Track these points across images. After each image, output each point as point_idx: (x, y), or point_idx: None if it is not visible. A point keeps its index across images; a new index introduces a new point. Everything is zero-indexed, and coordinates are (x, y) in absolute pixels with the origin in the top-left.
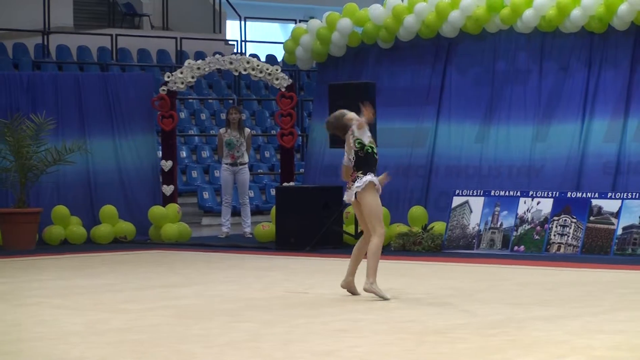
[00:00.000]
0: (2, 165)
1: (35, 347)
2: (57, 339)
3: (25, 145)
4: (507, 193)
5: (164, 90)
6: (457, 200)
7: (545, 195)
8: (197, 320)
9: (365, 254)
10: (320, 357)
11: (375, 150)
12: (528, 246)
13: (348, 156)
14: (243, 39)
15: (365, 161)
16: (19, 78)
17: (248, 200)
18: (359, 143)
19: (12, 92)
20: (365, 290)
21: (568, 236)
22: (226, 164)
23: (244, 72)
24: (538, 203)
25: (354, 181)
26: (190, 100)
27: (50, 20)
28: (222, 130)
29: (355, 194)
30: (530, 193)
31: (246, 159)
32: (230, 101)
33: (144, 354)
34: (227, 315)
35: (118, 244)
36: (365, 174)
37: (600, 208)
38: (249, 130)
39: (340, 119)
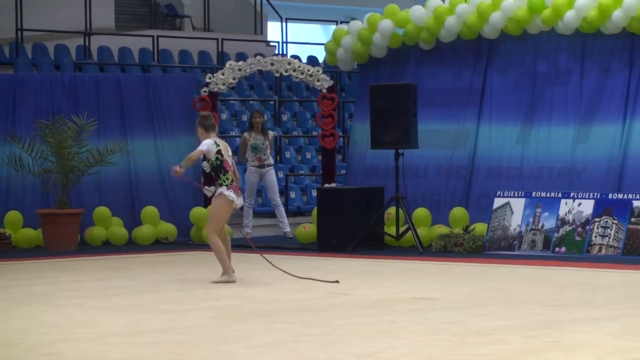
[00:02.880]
0: (43, 166)
1: (75, 348)
2: (97, 340)
3: (67, 147)
4: (548, 194)
5: (205, 91)
6: (498, 202)
7: (587, 197)
8: (237, 321)
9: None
10: (360, 358)
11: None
12: (569, 247)
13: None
14: (284, 40)
15: None
16: (61, 79)
17: (280, 201)
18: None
19: (54, 93)
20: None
21: (609, 237)
22: (253, 166)
23: (285, 74)
24: (579, 204)
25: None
26: (231, 102)
27: (91, 21)
28: (245, 134)
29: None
30: (572, 194)
31: (272, 160)
32: (272, 102)
33: (184, 355)
34: (267, 316)
35: (159, 245)
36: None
37: None
38: (272, 132)
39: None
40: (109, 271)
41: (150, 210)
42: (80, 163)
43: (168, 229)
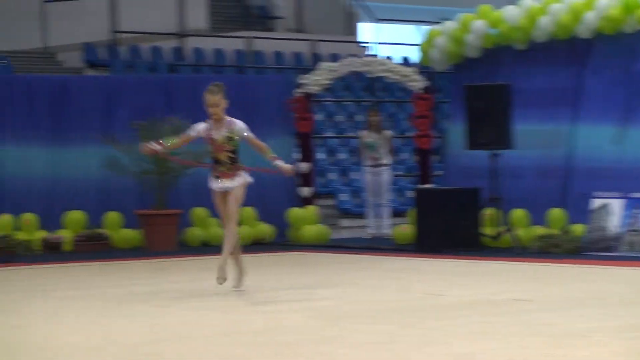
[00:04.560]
0: (141, 167)
1: (175, 348)
2: (197, 340)
3: None
4: None
5: (299, 92)
6: (596, 203)
7: None
8: (335, 321)
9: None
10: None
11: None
12: None
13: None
14: (377, 41)
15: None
16: (155, 81)
17: (388, 202)
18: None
19: (149, 95)
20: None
21: None
22: (367, 166)
23: (379, 74)
24: None
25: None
26: (326, 103)
27: (186, 23)
28: (362, 133)
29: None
30: None
31: (387, 160)
32: (366, 103)
33: (283, 355)
34: (365, 317)
35: (257, 245)
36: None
37: None
38: (388, 132)
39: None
40: (208, 272)
41: (247, 211)
42: (177, 164)
43: (265, 229)
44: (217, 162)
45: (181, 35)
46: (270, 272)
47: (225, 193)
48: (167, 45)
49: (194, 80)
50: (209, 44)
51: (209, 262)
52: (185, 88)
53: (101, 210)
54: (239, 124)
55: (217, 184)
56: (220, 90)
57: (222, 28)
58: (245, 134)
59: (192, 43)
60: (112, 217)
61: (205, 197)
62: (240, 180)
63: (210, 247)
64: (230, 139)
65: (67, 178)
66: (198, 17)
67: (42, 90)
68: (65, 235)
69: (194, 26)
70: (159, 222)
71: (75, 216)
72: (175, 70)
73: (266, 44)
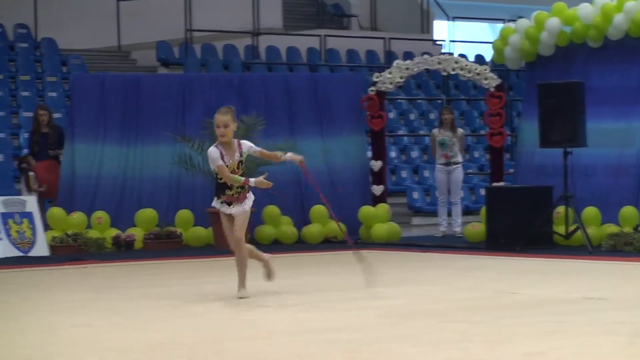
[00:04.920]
0: None
1: (242, 347)
2: (264, 338)
3: None
4: None
5: (372, 90)
6: None
7: None
8: (405, 319)
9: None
10: (528, 358)
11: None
12: None
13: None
14: (451, 39)
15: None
16: (230, 79)
17: (460, 200)
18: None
19: (223, 92)
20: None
21: None
22: (440, 164)
23: (452, 72)
24: None
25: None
26: (399, 101)
27: (259, 21)
28: (435, 131)
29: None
30: None
31: (459, 158)
32: (439, 101)
33: (353, 353)
34: (436, 315)
35: (328, 243)
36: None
37: None
38: (461, 130)
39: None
40: (278, 270)
41: (319, 209)
42: (249, 162)
43: (336, 227)
44: (225, 187)
45: (255, 33)
46: (340, 270)
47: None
48: (241, 43)
49: (267, 78)
50: (282, 42)
51: (280, 261)
52: (259, 86)
53: (172, 208)
54: (246, 144)
55: (228, 209)
56: (230, 112)
57: (295, 26)
58: (252, 150)
59: (265, 41)
60: (184, 215)
61: (278, 195)
62: (248, 204)
63: (281, 245)
64: (241, 163)
65: (138, 176)
66: (272, 15)
67: (115, 89)
68: (136, 233)
69: (267, 24)
70: None
71: (147, 214)
72: (249, 69)
73: (340, 42)
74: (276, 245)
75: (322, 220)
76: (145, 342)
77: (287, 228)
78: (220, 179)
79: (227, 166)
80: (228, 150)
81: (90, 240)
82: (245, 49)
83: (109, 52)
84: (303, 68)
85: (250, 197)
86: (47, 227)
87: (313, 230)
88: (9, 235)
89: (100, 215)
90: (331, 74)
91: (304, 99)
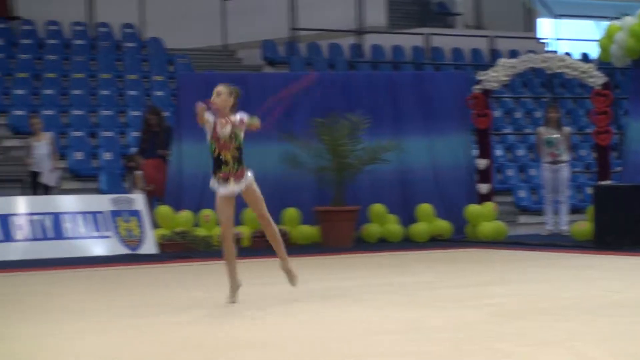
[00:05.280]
0: (319, 164)
1: (353, 344)
2: (374, 336)
3: (342, 144)
4: None
5: (478, 89)
6: None
7: None
8: (513, 318)
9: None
10: (638, 358)
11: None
12: None
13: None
14: (556, 37)
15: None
16: (334, 78)
17: (566, 199)
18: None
19: (328, 91)
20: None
21: None
22: (546, 162)
23: (557, 71)
24: None
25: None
26: (504, 99)
27: (364, 20)
28: (541, 129)
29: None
30: None
31: (566, 157)
32: (545, 100)
33: (460, 352)
34: (543, 314)
35: (435, 242)
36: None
37: None
38: (568, 128)
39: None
40: (385, 268)
41: (425, 208)
42: (355, 161)
43: (443, 226)
44: (221, 162)
45: (360, 32)
46: (447, 269)
47: (231, 197)
48: (346, 42)
49: (372, 77)
50: (387, 41)
51: (387, 259)
52: (364, 85)
53: (279, 206)
54: (239, 115)
55: (225, 189)
56: (229, 87)
57: (400, 25)
58: (239, 118)
59: (370, 40)
60: (291, 213)
61: (382, 194)
62: (249, 180)
63: (387, 244)
64: (235, 135)
65: None
66: (377, 14)
67: None
68: (243, 231)
69: (372, 23)
70: (337, 219)
71: (253, 213)
72: (354, 67)
73: (444, 40)
74: (382, 244)
75: (428, 219)
76: (257, 341)
77: (393, 226)
78: (218, 154)
79: (219, 137)
80: (222, 121)
81: (197, 238)
82: (350, 47)
83: (214, 51)
84: (408, 67)
85: (249, 173)
86: (155, 225)
87: (419, 228)
88: (117, 233)
89: (208, 213)
90: (436, 72)
91: (409, 98)
